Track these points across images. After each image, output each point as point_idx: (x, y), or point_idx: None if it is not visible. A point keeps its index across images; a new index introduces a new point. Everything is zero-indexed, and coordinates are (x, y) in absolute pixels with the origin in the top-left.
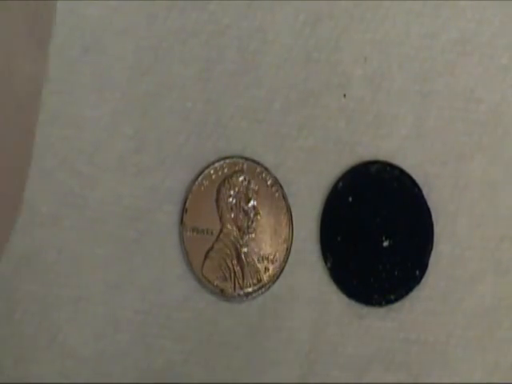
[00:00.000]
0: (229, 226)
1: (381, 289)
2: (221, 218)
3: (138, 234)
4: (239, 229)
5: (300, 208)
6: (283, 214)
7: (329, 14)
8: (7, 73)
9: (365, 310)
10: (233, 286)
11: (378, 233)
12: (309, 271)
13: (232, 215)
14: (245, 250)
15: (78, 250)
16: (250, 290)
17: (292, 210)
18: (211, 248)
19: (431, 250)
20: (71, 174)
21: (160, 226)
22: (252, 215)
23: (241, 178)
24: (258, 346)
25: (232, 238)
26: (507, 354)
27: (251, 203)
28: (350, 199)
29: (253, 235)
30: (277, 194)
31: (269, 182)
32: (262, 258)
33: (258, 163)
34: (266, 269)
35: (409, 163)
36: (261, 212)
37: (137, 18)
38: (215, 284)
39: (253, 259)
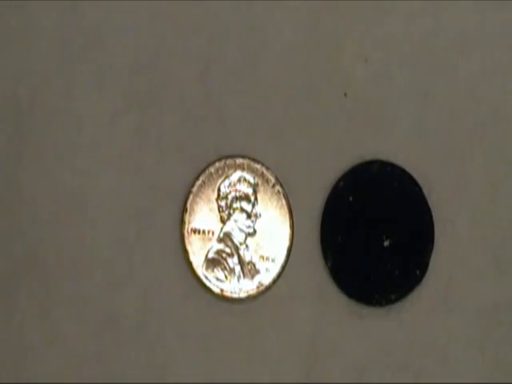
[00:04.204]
0: (229, 226)
1: (381, 289)
2: (221, 218)
3: (138, 233)
4: (239, 228)
5: (300, 207)
6: (284, 214)
7: (329, 14)
8: None
9: (365, 309)
10: (233, 285)
11: (378, 233)
12: (309, 271)
13: (232, 215)
14: (245, 249)
15: (78, 249)
16: (250, 289)
17: (292, 209)
18: (211, 248)
19: (431, 249)
20: (71, 173)
21: (160, 226)
22: (252, 215)
23: (241, 178)
24: (258, 346)
25: (232, 238)
26: (507, 353)
27: (251, 202)
28: (351, 199)
29: (253, 235)
30: (277, 194)
31: (269, 182)
32: (263, 258)
33: (258, 162)
34: (267, 269)
35: (409, 163)
36: (261, 211)
37: (137, 17)
38: (215, 284)
39: (253, 259)
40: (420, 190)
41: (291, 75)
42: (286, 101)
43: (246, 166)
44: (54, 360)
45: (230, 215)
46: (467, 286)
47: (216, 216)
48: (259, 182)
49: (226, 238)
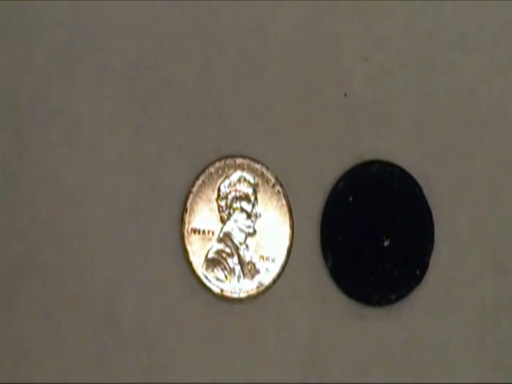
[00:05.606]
0: (229, 226)
1: (381, 289)
2: (221, 218)
3: (138, 233)
4: (239, 228)
5: (300, 207)
6: (284, 214)
7: (329, 13)
8: None
9: (365, 309)
10: (233, 285)
11: (378, 232)
12: (309, 271)
13: (232, 215)
14: (245, 249)
15: (78, 249)
16: (250, 289)
17: (292, 209)
18: (211, 248)
19: (431, 249)
20: (71, 173)
21: (160, 226)
22: (252, 215)
23: (241, 178)
24: (258, 346)
25: (232, 238)
26: (507, 353)
27: (251, 202)
28: (351, 199)
29: (253, 235)
30: (277, 194)
31: (269, 182)
32: (263, 258)
33: (258, 162)
34: (267, 269)
35: (409, 163)
36: (261, 211)
37: (137, 17)
38: (215, 284)
39: (253, 259)
40: (420, 189)
41: (291, 75)
42: (286, 101)
43: (246, 166)
44: (54, 360)
45: (230, 215)
46: (467, 286)
47: (216, 216)
48: (259, 182)
49: (225, 237)
